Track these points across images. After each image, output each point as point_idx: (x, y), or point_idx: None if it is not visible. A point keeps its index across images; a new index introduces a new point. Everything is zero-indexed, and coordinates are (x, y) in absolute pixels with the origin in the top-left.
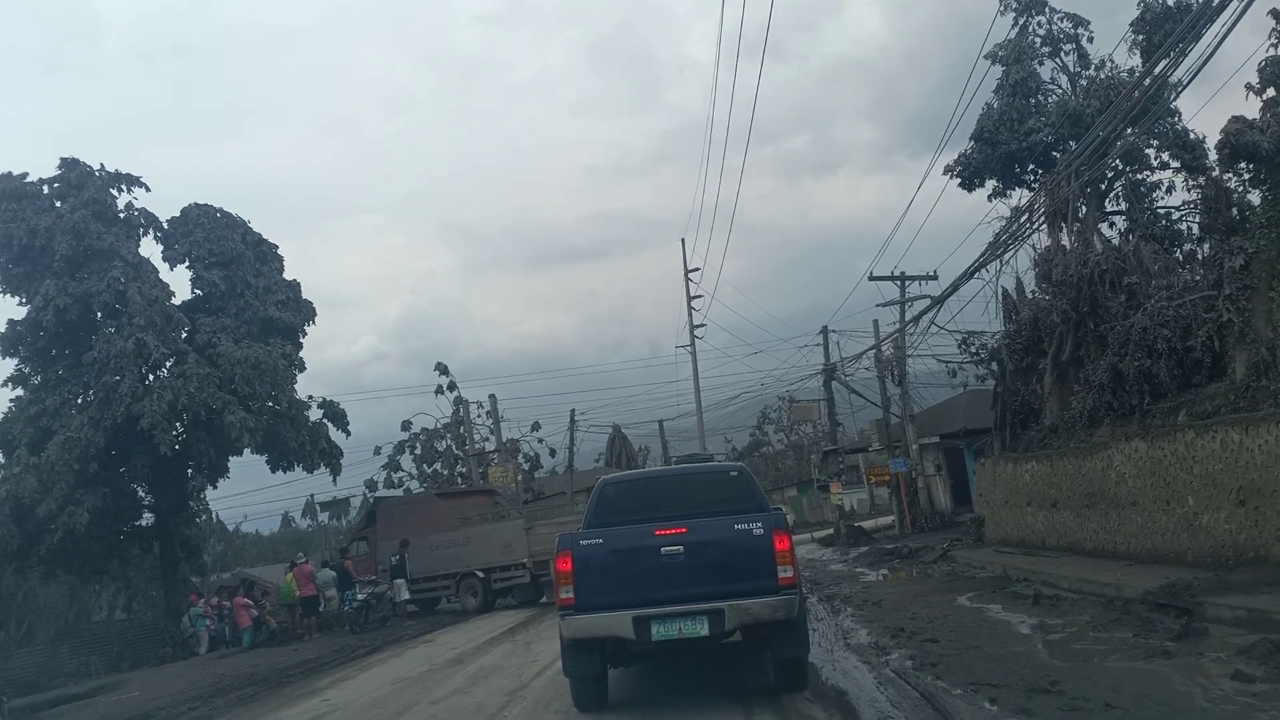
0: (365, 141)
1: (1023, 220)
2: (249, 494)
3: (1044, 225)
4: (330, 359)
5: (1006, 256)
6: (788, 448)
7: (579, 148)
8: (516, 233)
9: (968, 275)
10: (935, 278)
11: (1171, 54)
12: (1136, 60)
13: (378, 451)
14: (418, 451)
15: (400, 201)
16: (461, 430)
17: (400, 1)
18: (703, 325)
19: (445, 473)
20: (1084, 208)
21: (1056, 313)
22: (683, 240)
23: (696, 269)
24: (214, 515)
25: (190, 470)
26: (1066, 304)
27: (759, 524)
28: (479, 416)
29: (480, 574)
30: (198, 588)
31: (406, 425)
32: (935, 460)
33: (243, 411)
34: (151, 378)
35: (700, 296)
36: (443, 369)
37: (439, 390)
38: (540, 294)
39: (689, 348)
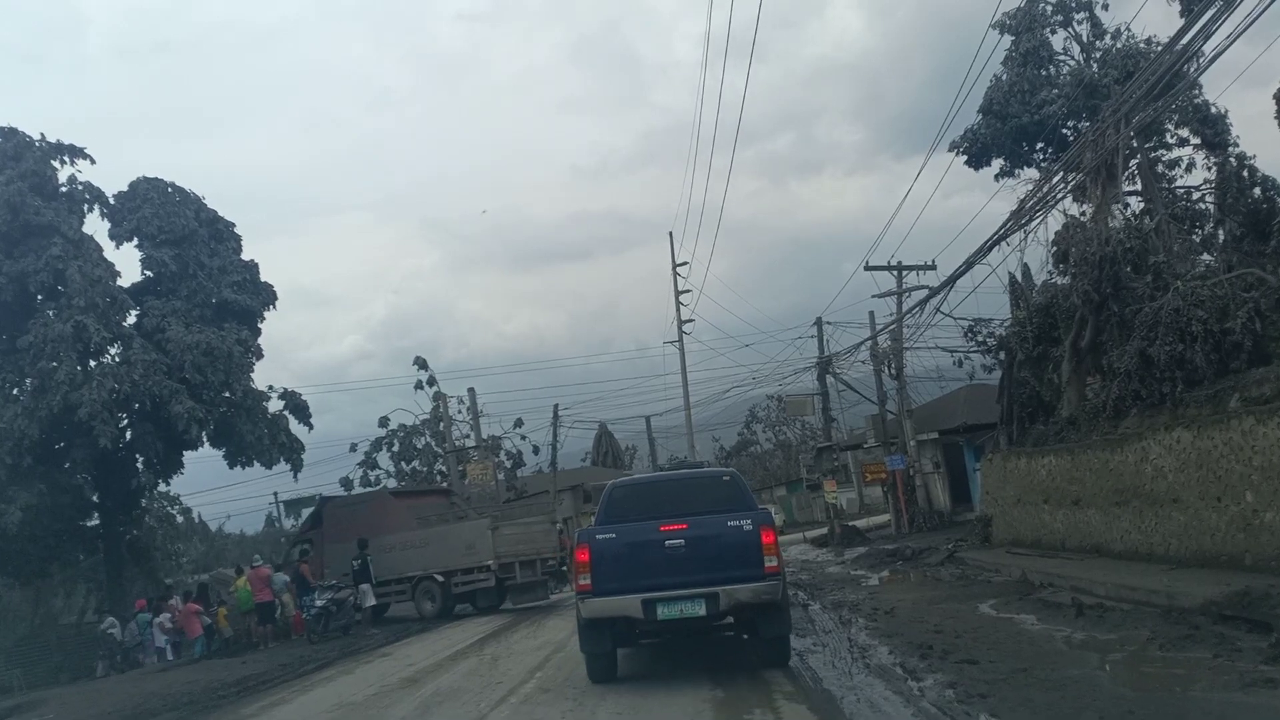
0: (349, 139)
1: (1055, 182)
2: (224, 489)
3: (1073, 191)
4: (315, 358)
5: (1033, 225)
6: (776, 447)
7: (564, 146)
8: (502, 232)
9: (985, 250)
10: (934, 267)
11: None
12: (1173, 9)
13: (353, 449)
14: (395, 448)
15: (384, 200)
16: (441, 427)
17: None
18: (691, 321)
19: (424, 470)
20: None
21: (1077, 294)
22: (670, 233)
23: (685, 263)
24: (196, 515)
25: (140, 465)
26: (1088, 285)
27: (748, 521)
28: (459, 412)
29: (439, 577)
30: (170, 590)
31: (384, 421)
32: (933, 457)
33: (191, 401)
34: (92, 364)
35: (688, 291)
36: (421, 363)
37: (418, 385)
38: (526, 293)
39: (677, 343)
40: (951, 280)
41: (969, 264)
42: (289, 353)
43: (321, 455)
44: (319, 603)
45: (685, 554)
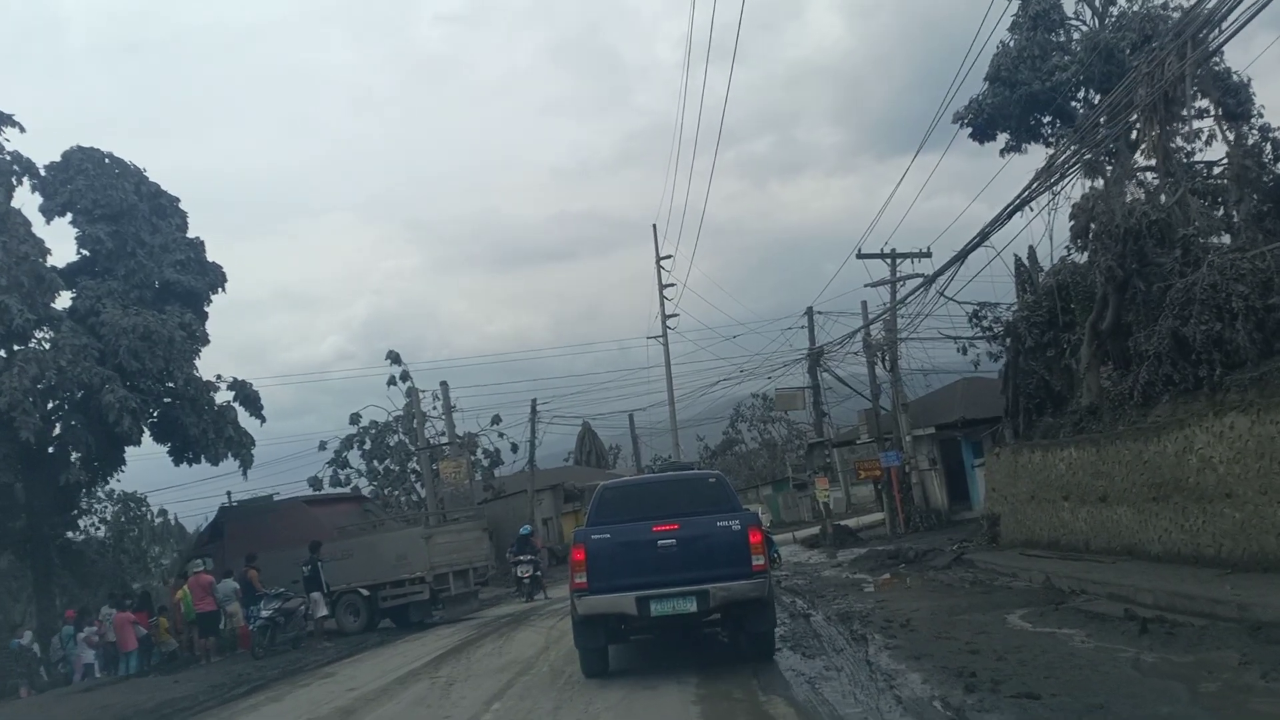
0: (330, 141)
1: (1097, 126)
2: (199, 487)
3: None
4: (297, 359)
5: (1062, 186)
6: (761, 446)
7: (546, 148)
8: (483, 233)
9: (1004, 217)
10: (929, 255)
11: None
12: None
13: (323, 447)
14: (366, 446)
15: (367, 201)
16: (415, 424)
17: (360, 1)
18: (675, 315)
19: (396, 469)
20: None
21: (1099, 270)
22: (654, 226)
23: (669, 256)
24: (172, 517)
25: (78, 461)
26: (1111, 260)
27: (737, 521)
28: (433, 408)
29: (364, 591)
30: (142, 597)
31: (355, 418)
32: (929, 454)
33: (124, 390)
34: (16, 348)
35: (672, 285)
36: (394, 357)
37: (391, 381)
38: (509, 294)
39: (661, 339)
40: (962, 255)
41: (983, 235)
42: (271, 354)
43: (299, 455)
44: (264, 613)
45: (677, 553)
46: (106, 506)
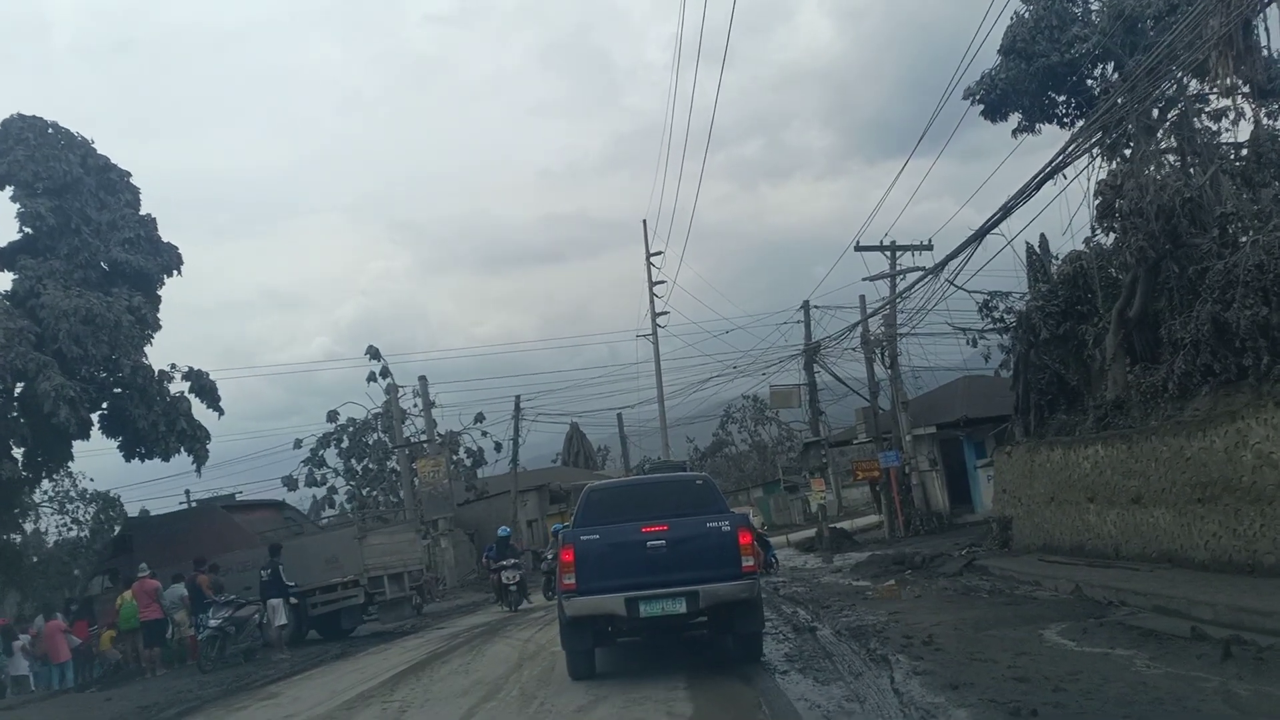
0: (319, 142)
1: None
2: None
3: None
4: (285, 360)
5: (1099, 153)
6: (752, 448)
7: (535, 149)
8: (473, 234)
9: (1030, 189)
10: (930, 248)
11: None
12: None
13: (298, 445)
14: (344, 445)
15: (355, 202)
16: (393, 421)
17: (349, 1)
18: (665, 313)
19: (374, 468)
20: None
21: (1130, 251)
22: (644, 221)
23: (659, 253)
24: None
25: (22, 456)
26: (1143, 240)
27: (727, 523)
28: (413, 406)
29: (292, 598)
30: (83, 605)
31: (333, 416)
32: (930, 454)
33: (62, 378)
34: None
35: (663, 282)
36: (374, 353)
37: (371, 377)
38: (497, 296)
39: (650, 336)
40: (980, 234)
41: (1006, 210)
42: (260, 355)
43: (276, 452)
44: (212, 622)
45: (666, 554)
46: (79, 506)
